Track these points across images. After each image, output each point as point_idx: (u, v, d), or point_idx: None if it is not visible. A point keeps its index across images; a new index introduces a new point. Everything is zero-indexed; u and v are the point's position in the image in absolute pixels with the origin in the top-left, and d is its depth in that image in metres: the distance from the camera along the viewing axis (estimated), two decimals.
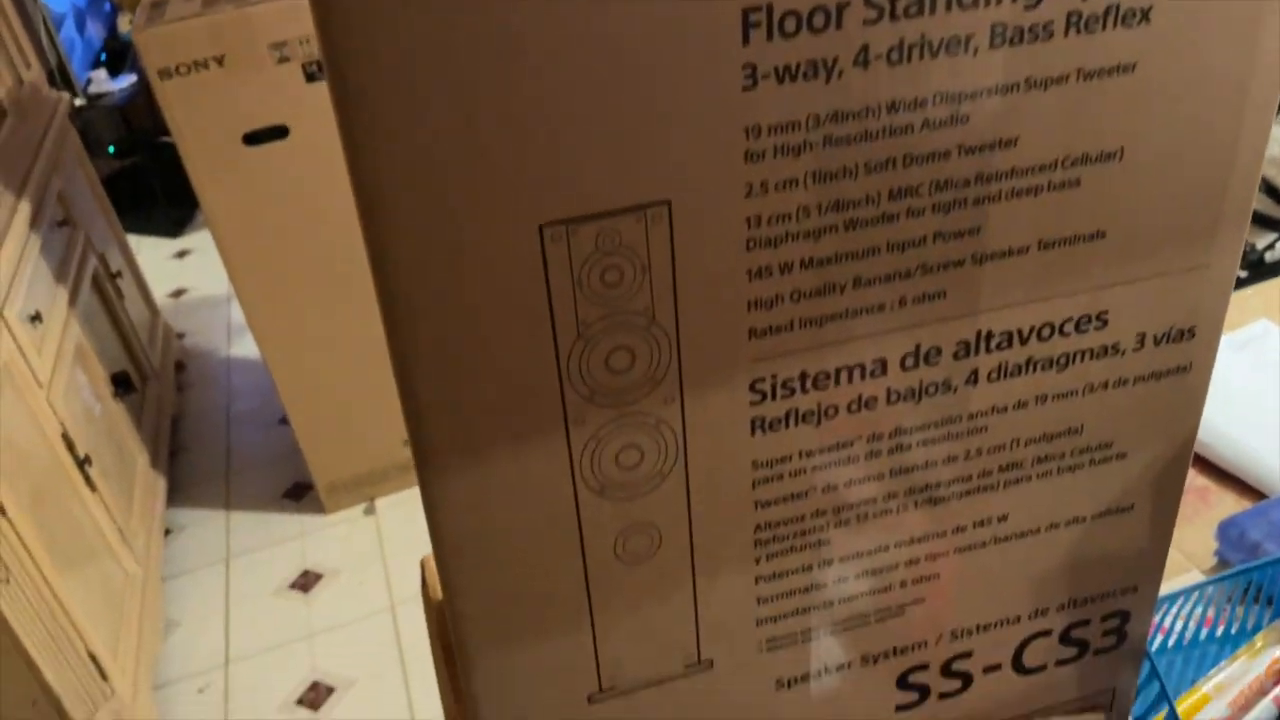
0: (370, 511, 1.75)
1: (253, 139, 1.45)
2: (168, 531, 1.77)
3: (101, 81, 2.69)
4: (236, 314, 2.42)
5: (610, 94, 0.27)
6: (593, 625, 0.35)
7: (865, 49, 0.28)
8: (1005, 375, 0.35)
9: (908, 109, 0.29)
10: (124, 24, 2.95)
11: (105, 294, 1.82)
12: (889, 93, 0.29)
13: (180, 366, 2.25)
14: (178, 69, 1.36)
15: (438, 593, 0.65)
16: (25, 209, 1.48)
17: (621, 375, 0.31)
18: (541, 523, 0.33)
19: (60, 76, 2.51)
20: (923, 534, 0.38)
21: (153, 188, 2.82)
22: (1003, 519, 0.39)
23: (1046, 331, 0.35)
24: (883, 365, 0.34)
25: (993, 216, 0.32)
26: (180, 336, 2.36)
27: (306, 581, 1.64)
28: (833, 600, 0.38)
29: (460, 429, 0.31)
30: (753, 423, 0.33)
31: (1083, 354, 0.35)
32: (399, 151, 0.26)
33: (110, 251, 1.96)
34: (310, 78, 1.44)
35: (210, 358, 2.30)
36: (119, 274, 1.95)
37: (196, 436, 2.03)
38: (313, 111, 1.46)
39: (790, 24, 0.27)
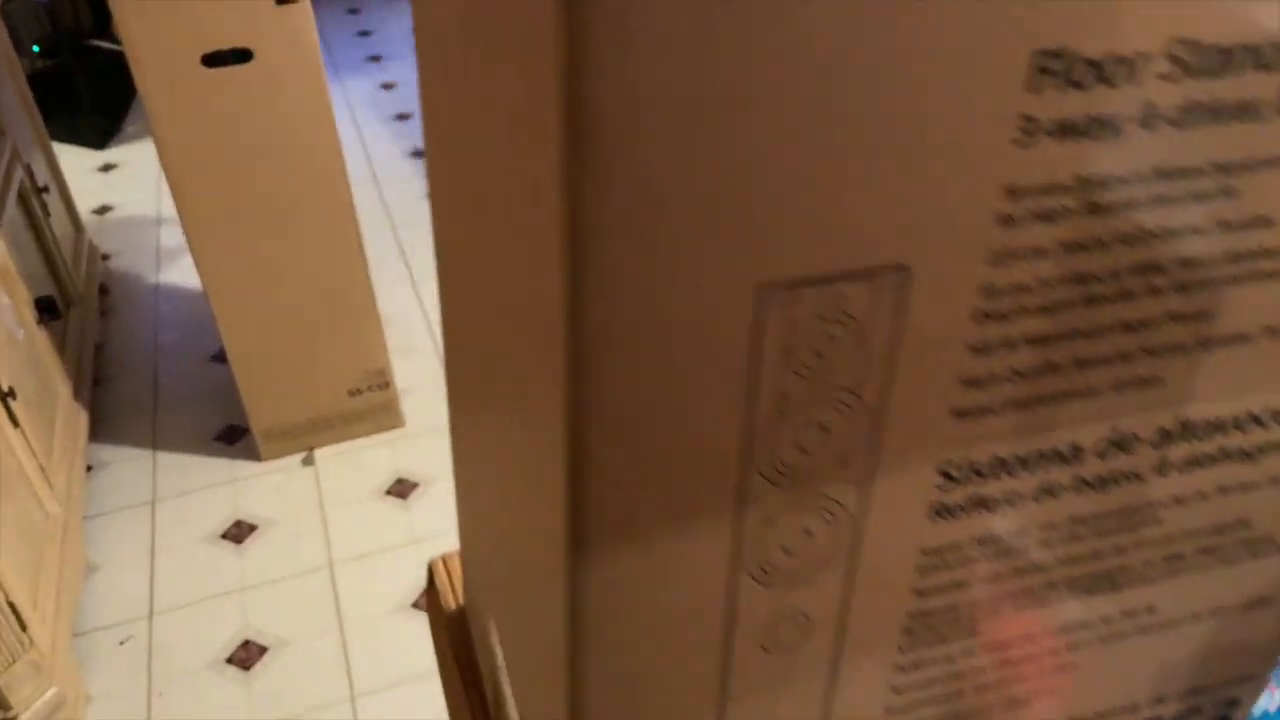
0: (309, 462, 1.67)
1: (212, 60, 1.35)
2: (89, 468, 1.67)
3: None
4: (166, 237, 2.29)
5: (860, 138, 0.22)
6: (724, 717, 0.31)
7: (1153, 108, 0.24)
8: (1195, 466, 0.32)
9: (1181, 176, 0.25)
10: None
11: (31, 210, 1.69)
12: (1164, 157, 0.25)
13: (104, 290, 2.12)
14: None
15: (450, 600, 0.60)
16: None
17: (811, 456, 0.27)
18: (690, 608, 0.29)
19: None
20: (1072, 624, 0.34)
21: (79, 94, 2.64)
22: (1149, 610, 0.35)
23: (1249, 423, 0.31)
24: (1078, 453, 0.30)
25: (1229, 299, 0.28)
26: (105, 258, 2.22)
27: (239, 532, 1.56)
28: (966, 690, 0.35)
29: (628, 501, 0.26)
30: (932, 509, 0.29)
31: (1277, 446, 0.32)
32: (619, 182, 0.21)
33: (36, 162, 1.82)
34: (280, 0, 1.33)
35: (137, 282, 2.17)
36: (45, 189, 1.81)
37: (121, 367, 1.92)
38: (279, 37, 1.36)
39: (1084, 74, 0.23)
